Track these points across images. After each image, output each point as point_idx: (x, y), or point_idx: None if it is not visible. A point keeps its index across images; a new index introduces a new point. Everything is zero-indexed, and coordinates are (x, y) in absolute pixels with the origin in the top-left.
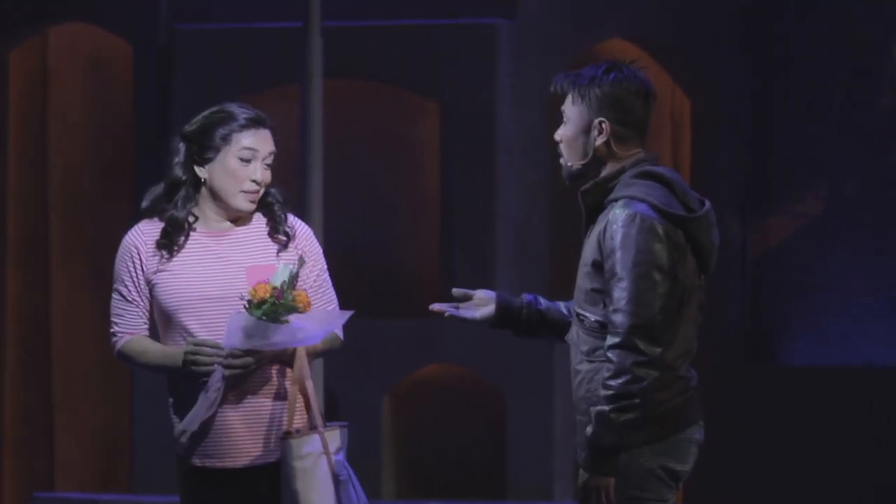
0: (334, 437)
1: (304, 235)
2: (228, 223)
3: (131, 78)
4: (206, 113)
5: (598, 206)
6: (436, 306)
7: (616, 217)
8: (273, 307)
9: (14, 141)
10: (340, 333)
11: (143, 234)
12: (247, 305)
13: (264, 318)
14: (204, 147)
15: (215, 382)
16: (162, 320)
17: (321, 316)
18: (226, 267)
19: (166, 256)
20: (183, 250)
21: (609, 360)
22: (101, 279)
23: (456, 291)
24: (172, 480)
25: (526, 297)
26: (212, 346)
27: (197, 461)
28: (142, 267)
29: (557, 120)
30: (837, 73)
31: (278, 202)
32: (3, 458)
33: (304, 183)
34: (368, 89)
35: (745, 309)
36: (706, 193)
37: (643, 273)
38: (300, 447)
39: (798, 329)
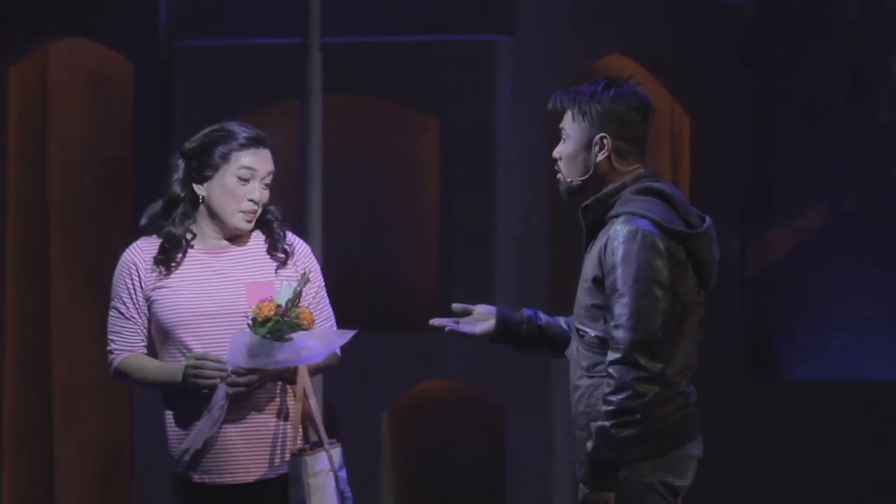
0: (337, 454)
1: (303, 253)
2: (226, 241)
3: (131, 94)
4: (206, 131)
5: (598, 222)
6: (436, 321)
7: (617, 233)
8: (277, 325)
9: (14, 156)
10: (338, 349)
11: (142, 251)
12: (251, 324)
13: (268, 336)
14: (203, 165)
15: (219, 400)
16: (160, 337)
17: (324, 334)
18: (225, 283)
19: (164, 273)
20: (181, 267)
21: (610, 376)
22: (101, 294)
23: (456, 307)
24: (171, 494)
25: (526, 312)
26: (213, 361)
27: (197, 477)
28: (140, 284)
29: (557, 136)
30: (837, 87)
31: (277, 220)
32: (3, 470)
33: (303, 198)
34: (368, 105)
35: (745, 324)
36: (706, 209)
37: (644, 289)
38: (314, 464)
39: (798, 344)
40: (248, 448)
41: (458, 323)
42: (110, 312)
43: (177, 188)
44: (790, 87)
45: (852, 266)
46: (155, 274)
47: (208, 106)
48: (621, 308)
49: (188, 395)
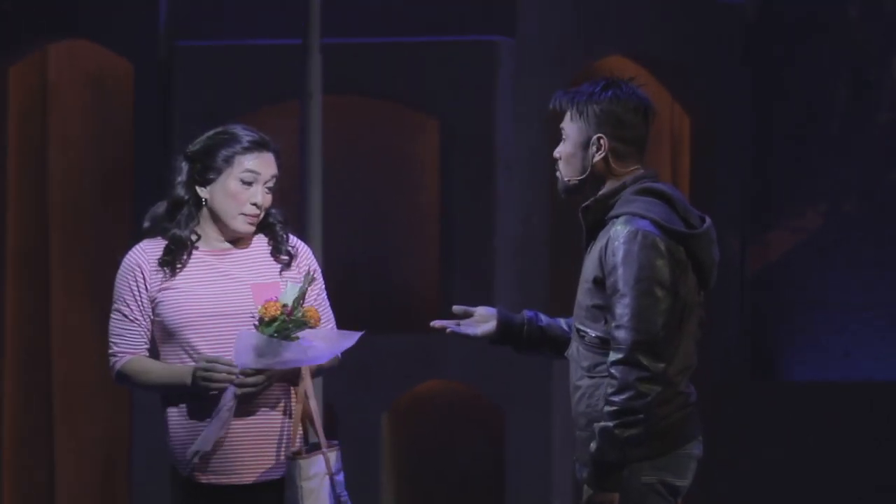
0: (335, 457)
1: (306, 255)
2: (228, 243)
3: (131, 95)
4: (210, 133)
5: (598, 223)
6: (437, 323)
7: (617, 233)
8: (284, 324)
9: (14, 157)
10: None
11: (146, 253)
12: (257, 324)
13: (276, 335)
14: (206, 167)
15: (227, 402)
16: (164, 338)
17: (331, 335)
18: (230, 284)
19: (169, 274)
20: (186, 268)
21: (612, 376)
22: (101, 294)
23: (457, 308)
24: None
25: (527, 313)
26: (224, 364)
27: (202, 477)
28: (145, 285)
29: (557, 137)
30: (837, 88)
31: (279, 222)
32: (3, 473)
33: (303, 199)
34: (368, 106)
35: (745, 325)
36: (706, 209)
37: (645, 289)
38: (309, 467)
39: (798, 344)
40: (251, 449)
41: (458, 325)
42: (112, 315)
43: (180, 191)
44: (790, 88)
45: (852, 267)
46: (160, 275)
47: (208, 107)
48: (623, 308)
49: (193, 397)
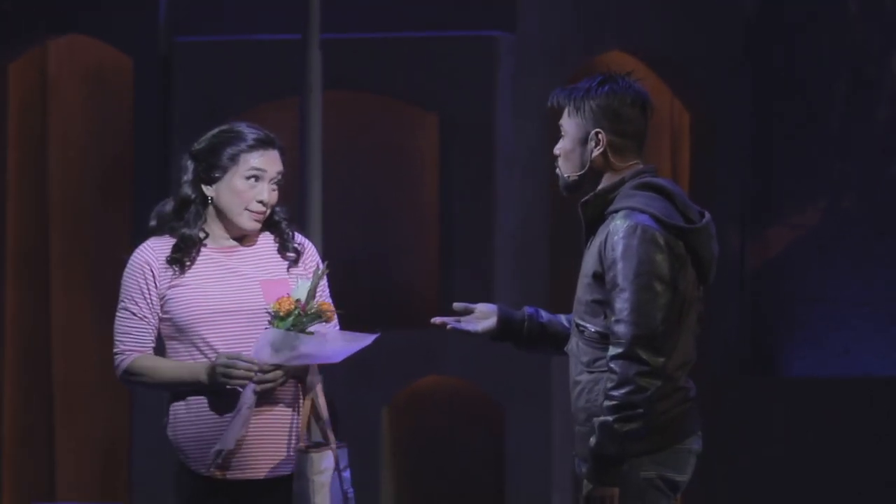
0: (343, 454)
1: (311, 252)
2: (234, 241)
3: (131, 90)
4: (214, 132)
5: (598, 218)
6: (437, 319)
7: (617, 228)
8: (298, 318)
9: (13, 153)
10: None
11: (154, 251)
12: (271, 320)
13: (291, 329)
14: (211, 166)
15: (248, 399)
16: (173, 336)
17: (348, 336)
18: (240, 280)
19: (178, 272)
20: (195, 266)
21: (612, 371)
22: (101, 290)
23: (457, 305)
24: (171, 491)
25: (527, 309)
26: (245, 360)
27: (217, 473)
28: (154, 283)
29: (557, 132)
30: (837, 84)
31: (284, 220)
32: (3, 468)
33: (303, 194)
34: (368, 101)
35: (745, 320)
36: (705, 205)
37: (645, 284)
38: (320, 462)
39: (797, 339)
40: (264, 444)
41: (459, 321)
42: (119, 313)
43: (187, 189)
44: (790, 84)
45: (851, 263)
46: (169, 273)
47: (208, 102)
48: (622, 303)
49: (204, 394)
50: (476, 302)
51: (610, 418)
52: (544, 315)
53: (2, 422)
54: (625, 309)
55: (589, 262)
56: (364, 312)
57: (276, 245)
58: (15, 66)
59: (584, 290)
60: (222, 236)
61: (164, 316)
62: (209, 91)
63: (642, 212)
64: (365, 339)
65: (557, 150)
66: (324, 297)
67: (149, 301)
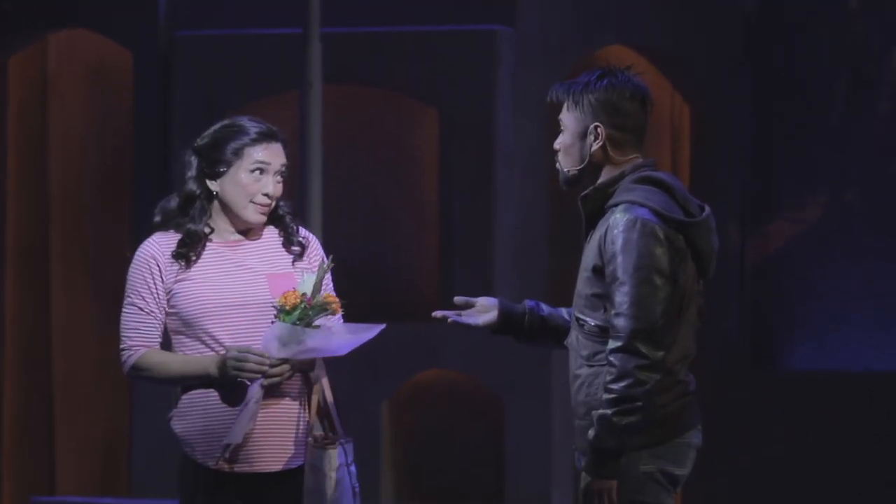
0: (350, 449)
1: (316, 246)
2: (239, 234)
3: (131, 85)
4: (216, 126)
5: (597, 212)
6: (438, 313)
7: (617, 222)
8: (305, 312)
9: (13, 148)
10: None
11: (160, 245)
12: (277, 314)
13: (298, 323)
14: (215, 161)
15: (255, 394)
16: (180, 330)
17: (353, 328)
18: (246, 274)
19: (185, 266)
20: (201, 260)
21: (611, 364)
22: (101, 286)
23: (458, 300)
24: (172, 484)
25: (528, 303)
26: (257, 355)
27: (226, 466)
28: (161, 277)
29: (557, 127)
30: (838, 79)
31: (289, 214)
32: (3, 464)
33: (303, 188)
34: (368, 95)
35: (745, 314)
36: (706, 199)
37: (644, 277)
38: (335, 457)
39: (797, 334)
40: (269, 438)
41: (460, 315)
42: (126, 309)
43: (192, 185)
44: (791, 79)
45: (852, 257)
46: (176, 267)
47: (208, 96)
48: (622, 296)
49: (213, 388)
50: (476, 296)
51: (609, 411)
52: (545, 308)
53: (2, 418)
54: (624, 302)
55: (589, 256)
56: (364, 308)
57: (281, 239)
58: (15, 61)
59: (583, 284)
60: (227, 230)
61: (171, 310)
62: (209, 85)
63: (642, 205)
64: (371, 331)
65: (557, 144)
66: (327, 290)
67: (155, 296)
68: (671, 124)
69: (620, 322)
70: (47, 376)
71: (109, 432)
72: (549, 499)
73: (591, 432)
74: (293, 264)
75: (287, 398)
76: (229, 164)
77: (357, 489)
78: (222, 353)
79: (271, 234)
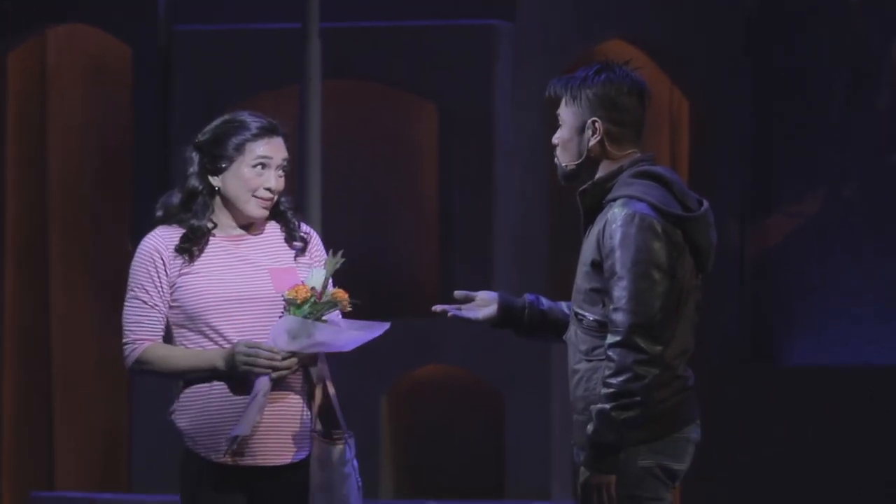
0: (352, 444)
1: (317, 242)
2: (241, 229)
3: (130, 79)
4: (217, 122)
5: (596, 207)
6: (438, 307)
7: (615, 216)
8: (315, 306)
9: (12, 142)
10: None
11: (164, 239)
12: (287, 308)
13: (309, 316)
14: (217, 157)
15: (264, 386)
16: (183, 323)
17: (360, 325)
18: (249, 269)
19: (188, 260)
20: (204, 254)
21: (610, 359)
22: (100, 281)
23: (458, 294)
24: (172, 479)
25: (528, 296)
26: (266, 349)
27: (228, 459)
28: (165, 271)
29: (556, 122)
30: (837, 74)
31: (290, 209)
32: (3, 459)
33: (302, 183)
34: (367, 90)
35: (744, 309)
36: (705, 194)
37: (643, 272)
38: (343, 452)
39: (797, 329)
40: (272, 431)
41: (460, 309)
42: (129, 302)
43: (194, 181)
44: (790, 71)
45: (851, 252)
46: (180, 261)
47: (207, 91)
48: (620, 291)
49: (218, 382)
50: (476, 290)
51: (607, 406)
52: (545, 302)
53: (1, 414)
54: (623, 297)
55: (587, 251)
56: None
57: (283, 234)
58: (14, 56)
59: (582, 279)
60: (230, 225)
61: (174, 304)
62: (209, 80)
63: (640, 200)
64: (377, 329)
65: (555, 139)
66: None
67: (159, 289)
68: (670, 119)
69: (619, 317)
70: (46, 371)
71: (109, 427)
72: (549, 493)
73: (589, 427)
74: (295, 259)
75: (290, 392)
76: (231, 160)
77: (360, 484)
78: (229, 346)
79: (273, 230)
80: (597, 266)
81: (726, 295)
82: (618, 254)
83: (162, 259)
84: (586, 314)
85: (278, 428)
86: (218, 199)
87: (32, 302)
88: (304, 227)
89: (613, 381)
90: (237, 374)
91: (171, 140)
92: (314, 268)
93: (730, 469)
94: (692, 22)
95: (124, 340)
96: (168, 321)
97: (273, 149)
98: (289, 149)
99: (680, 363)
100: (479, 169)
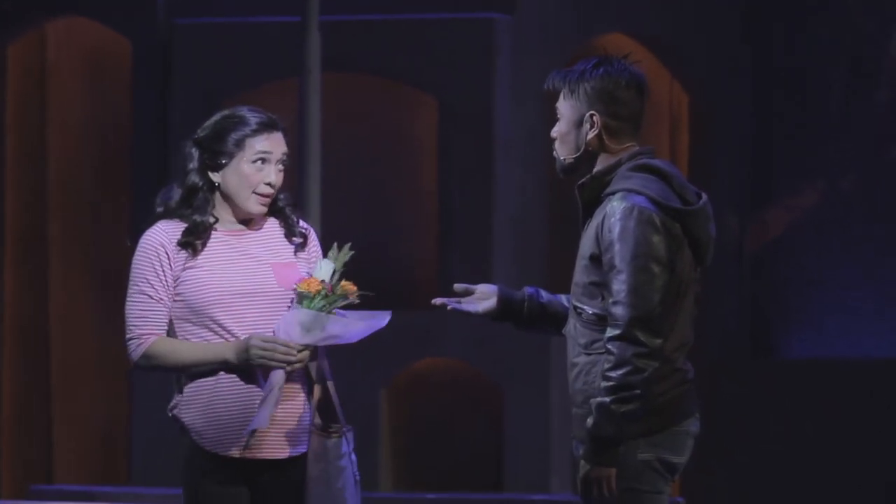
0: (351, 437)
1: (314, 238)
2: (241, 225)
3: (130, 72)
4: (216, 118)
5: (594, 200)
6: (438, 300)
7: (614, 210)
8: (326, 299)
9: (12, 136)
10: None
11: (167, 233)
12: (297, 301)
13: (322, 309)
14: (217, 153)
15: (279, 380)
16: (186, 317)
17: (366, 315)
18: (252, 263)
19: (191, 254)
20: (207, 248)
21: (609, 352)
22: (99, 275)
23: (458, 287)
24: (171, 473)
25: (527, 289)
26: (282, 343)
27: (235, 452)
28: (169, 264)
29: (555, 115)
30: (836, 68)
31: (289, 205)
32: (2, 452)
33: (302, 176)
34: (366, 83)
35: (744, 303)
36: (704, 188)
37: (642, 265)
38: (340, 446)
39: (796, 322)
40: (276, 425)
41: (459, 302)
42: (133, 297)
43: (194, 177)
44: (790, 67)
45: (850, 245)
46: (183, 255)
47: (207, 84)
48: (619, 284)
49: (224, 375)
50: (475, 283)
51: (607, 399)
52: (544, 295)
53: (1, 407)
54: (622, 290)
55: (586, 245)
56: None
57: (283, 230)
58: (13, 49)
59: (581, 273)
60: (230, 220)
61: (177, 298)
62: (208, 73)
63: (639, 193)
64: (381, 319)
65: (554, 132)
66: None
67: (164, 283)
68: (670, 113)
69: (618, 310)
70: (46, 365)
71: (108, 421)
72: (548, 485)
73: (589, 420)
74: (295, 254)
75: (291, 386)
76: (231, 156)
77: (357, 478)
78: (240, 339)
79: (272, 225)
80: (595, 260)
81: (725, 289)
82: (617, 247)
83: (167, 253)
84: (585, 308)
85: (281, 421)
86: (218, 194)
87: (32, 297)
88: (301, 223)
89: (613, 374)
90: (248, 367)
91: (171, 133)
92: (321, 260)
93: (729, 462)
94: (692, 16)
95: (129, 335)
96: (172, 315)
97: (273, 144)
98: (288, 143)
99: (679, 356)
100: (478, 163)
